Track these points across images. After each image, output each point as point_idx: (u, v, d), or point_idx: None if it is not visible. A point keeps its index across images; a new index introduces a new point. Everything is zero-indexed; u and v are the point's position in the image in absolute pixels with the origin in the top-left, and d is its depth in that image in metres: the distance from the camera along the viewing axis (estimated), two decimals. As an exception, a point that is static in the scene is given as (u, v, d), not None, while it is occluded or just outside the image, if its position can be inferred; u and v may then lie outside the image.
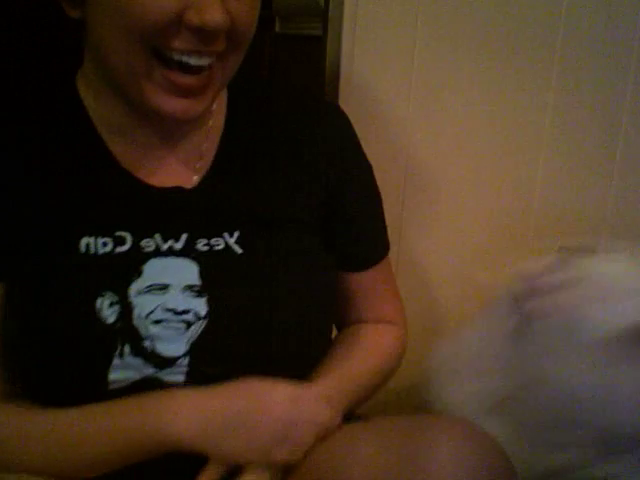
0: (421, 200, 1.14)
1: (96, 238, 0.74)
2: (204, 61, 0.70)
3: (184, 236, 0.76)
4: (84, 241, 0.74)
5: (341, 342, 0.90)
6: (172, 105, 0.71)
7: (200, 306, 0.74)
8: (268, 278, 0.77)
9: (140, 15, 0.66)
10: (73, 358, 0.73)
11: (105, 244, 0.74)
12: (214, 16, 0.67)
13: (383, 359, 0.89)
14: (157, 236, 0.76)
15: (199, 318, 0.74)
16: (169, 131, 0.80)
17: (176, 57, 0.69)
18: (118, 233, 0.75)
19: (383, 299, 0.94)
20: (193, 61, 0.70)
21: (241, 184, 0.80)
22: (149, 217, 0.77)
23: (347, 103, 1.07)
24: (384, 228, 0.94)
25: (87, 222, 0.75)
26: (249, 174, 0.81)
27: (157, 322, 0.73)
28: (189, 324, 0.73)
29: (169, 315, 0.73)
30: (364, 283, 0.91)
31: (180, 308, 0.73)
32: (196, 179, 0.80)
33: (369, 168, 0.92)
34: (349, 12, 1.02)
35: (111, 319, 0.72)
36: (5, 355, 0.76)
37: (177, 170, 0.80)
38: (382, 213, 0.94)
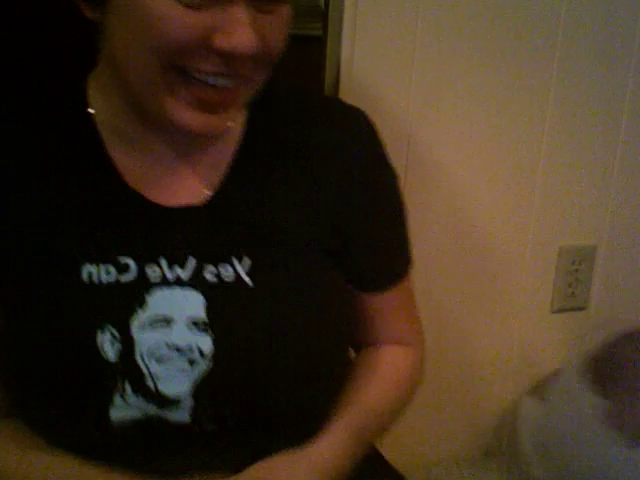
0: (420, 200, 1.14)
1: (98, 265, 0.70)
2: (229, 82, 0.66)
3: (191, 261, 0.71)
4: (86, 269, 0.70)
5: (356, 374, 0.85)
6: (195, 121, 0.66)
7: (205, 344, 0.69)
8: (279, 316, 0.72)
9: (164, 35, 0.61)
10: (73, 395, 0.70)
11: (108, 272, 0.70)
12: (243, 40, 0.61)
13: (400, 389, 0.86)
14: (162, 261, 0.71)
15: (204, 357, 0.69)
16: (184, 143, 0.75)
17: (200, 78, 0.65)
18: (121, 259, 0.70)
19: (401, 319, 0.89)
20: (219, 82, 0.65)
21: (254, 202, 0.75)
22: (154, 240, 0.72)
23: (347, 103, 1.07)
24: (406, 245, 0.87)
25: (88, 247, 0.70)
26: (263, 191, 0.76)
27: (160, 360, 0.69)
28: (193, 363, 0.69)
29: (172, 352, 0.69)
30: (382, 304, 0.86)
31: (184, 345, 0.69)
32: (206, 196, 0.74)
33: (394, 180, 0.85)
34: (349, 12, 1.02)
35: (112, 356, 0.68)
36: (3, 382, 0.74)
37: (186, 186, 0.74)
38: (405, 228, 0.86)
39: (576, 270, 1.26)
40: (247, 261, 0.72)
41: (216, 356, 0.69)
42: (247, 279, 0.71)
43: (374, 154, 0.82)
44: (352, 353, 0.91)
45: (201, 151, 0.75)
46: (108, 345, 0.68)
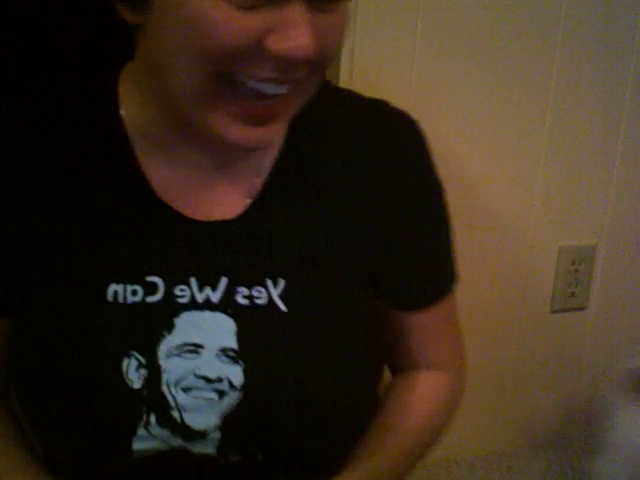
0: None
1: (125, 285, 0.65)
2: (281, 90, 0.60)
3: (223, 282, 0.66)
4: (112, 289, 0.65)
5: (389, 402, 0.80)
6: (242, 135, 0.60)
7: (235, 375, 0.65)
8: (312, 345, 0.68)
9: (215, 39, 0.55)
10: (94, 424, 0.65)
11: (135, 292, 0.65)
12: (301, 43, 0.55)
13: (434, 423, 0.80)
14: (193, 281, 0.66)
15: (234, 388, 0.65)
16: (221, 153, 0.69)
17: (250, 85, 0.59)
18: (149, 279, 0.65)
19: (442, 341, 0.82)
20: (270, 90, 0.59)
21: (292, 218, 0.70)
22: (184, 258, 0.67)
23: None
24: (451, 260, 0.82)
25: (115, 265, 0.65)
26: (302, 206, 0.70)
27: (187, 390, 0.65)
28: (222, 394, 0.65)
29: (201, 383, 0.65)
30: (421, 323, 0.80)
31: (213, 376, 0.65)
32: (241, 210, 0.69)
33: (441, 193, 0.80)
34: (349, 12, 1.02)
35: (137, 384, 0.64)
36: (19, 406, 0.70)
37: (220, 199, 0.69)
38: (451, 243, 0.81)
39: (576, 270, 1.26)
40: (281, 283, 0.67)
41: (246, 387, 0.65)
42: (280, 303, 0.67)
43: (424, 167, 0.78)
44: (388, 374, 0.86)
45: (239, 161, 0.70)
46: (133, 372, 0.64)
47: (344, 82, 1.05)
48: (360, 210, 0.72)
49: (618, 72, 1.17)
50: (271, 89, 0.59)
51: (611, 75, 1.17)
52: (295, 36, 0.55)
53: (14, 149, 0.67)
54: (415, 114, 1.10)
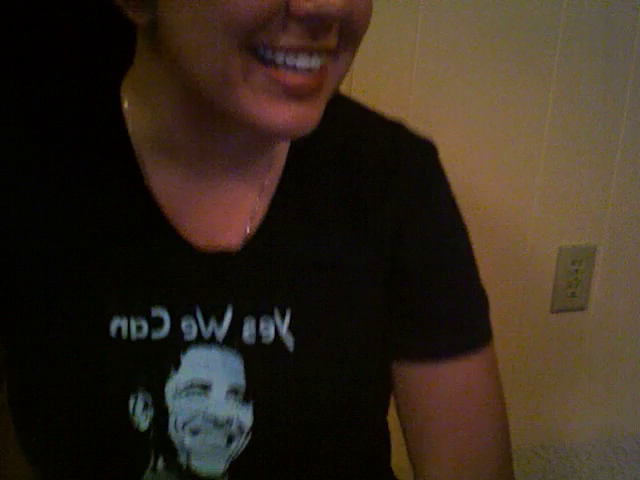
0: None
1: (129, 319, 0.60)
2: (314, 62, 0.54)
3: (229, 313, 0.62)
4: (115, 323, 0.60)
5: None
6: (283, 114, 0.53)
7: (245, 416, 0.61)
8: (320, 384, 0.63)
9: (241, 6, 0.50)
10: (100, 468, 0.62)
11: (140, 328, 0.60)
12: None
13: None
14: (198, 312, 0.62)
15: (242, 431, 0.62)
16: (235, 160, 0.63)
17: (280, 59, 0.53)
18: (154, 311, 0.61)
19: (470, 420, 0.67)
20: (301, 62, 0.53)
21: (295, 243, 0.65)
22: (190, 287, 0.62)
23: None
24: (477, 306, 0.70)
25: (118, 296, 0.61)
26: (306, 231, 0.65)
27: (195, 432, 0.62)
28: (230, 439, 0.62)
29: (209, 425, 0.61)
30: (435, 386, 0.66)
31: (222, 417, 0.61)
32: (246, 233, 0.64)
33: (459, 233, 0.72)
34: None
35: (144, 425, 0.60)
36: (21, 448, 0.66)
37: (226, 221, 0.64)
38: (476, 288, 0.71)
39: (576, 270, 1.26)
40: (289, 314, 0.63)
41: (255, 429, 0.62)
42: (288, 337, 0.62)
43: (433, 200, 0.70)
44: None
45: (247, 172, 0.64)
46: (140, 413, 0.60)
47: (344, 82, 1.05)
48: (371, 236, 0.66)
49: (618, 72, 1.17)
50: (303, 62, 0.53)
51: (611, 75, 1.17)
52: None
53: (16, 172, 0.62)
54: (415, 114, 1.10)
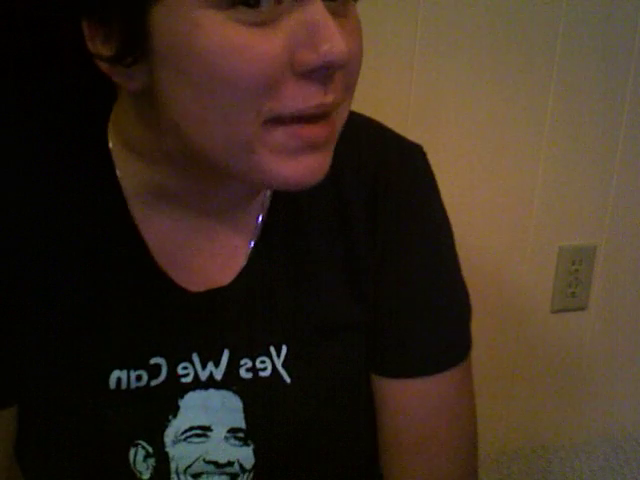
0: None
1: (128, 371, 0.59)
2: (326, 117, 0.52)
3: (225, 355, 0.61)
4: (114, 375, 0.59)
5: None
6: (299, 168, 0.51)
7: (246, 457, 0.61)
8: (318, 417, 0.63)
9: (243, 76, 0.47)
10: None
11: (139, 377, 0.60)
12: (335, 44, 0.47)
13: None
14: (195, 358, 0.61)
15: (245, 471, 0.62)
16: (229, 203, 0.62)
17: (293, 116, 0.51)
18: (152, 360, 0.60)
19: (442, 438, 0.67)
20: (315, 109, 0.51)
21: (284, 278, 0.63)
22: (186, 334, 0.61)
23: (347, 103, 1.07)
24: (457, 320, 0.69)
25: (117, 349, 0.60)
26: (294, 265, 0.64)
27: (197, 476, 0.61)
28: (234, 476, 0.62)
29: (210, 468, 0.61)
30: (410, 402, 0.65)
31: (223, 460, 0.61)
32: (237, 273, 0.63)
33: (439, 238, 0.69)
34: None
35: (146, 475, 0.60)
36: None
37: (217, 261, 0.63)
38: (457, 301, 0.70)
39: (576, 270, 1.26)
40: (284, 350, 0.62)
41: (257, 467, 0.62)
42: (284, 372, 0.62)
43: (417, 209, 0.67)
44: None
45: (237, 214, 0.63)
46: (141, 462, 0.60)
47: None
48: (357, 264, 0.64)
49: (618, 72, 1.17)
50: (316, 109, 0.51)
51: (611, 75, 1.17)
52: (328, 40, 0.47)
53: (10, 223, 0.59)
54: (415, 114, 1.10)
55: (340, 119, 0.55)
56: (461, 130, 1.12)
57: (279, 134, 0.50)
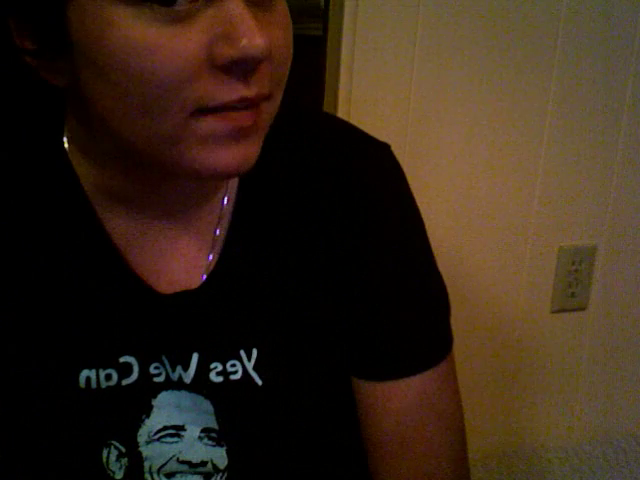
0: (420, 200, 1.13)
1: (97, 370, 0.59)
2: (253, 107, 0.52)
3: (194, 359, 0.61)
4: (84, 375, 0.59)
5: None
6: (225, 157, 0.51)
7: (219, 457, 0.61)
8: (292, 418, 0.63)
9: (158, 74, 0.47)
10: None
11: (109, 377, 0.59)
12: (251, 40, 0.47)
13: None
14: (164, 359, 0.61)
15: (218, 471, 0.62)
16: (178, 201, 0.61)
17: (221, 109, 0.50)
18: (122, 359, 0.60)
19: (427, 438, 0.64)
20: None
21: (256, 281, 0.62)
22: (155, 334, 0.61)
23: (347, 104, 1.07)
24: (431, 321, 0.65)
25: (85, 348, 0.59)
26: (265, 266, 0.62)
27: (170, 476, 0.61)
28: (208, 476, 0.62)
29: (184, 468, 0.61)
30: (393, 403, 0.63)
31: (197, 460, 0.61)
32: (206, 273, 0.62)
33: (419, 234, 0.68)
34: (349, 12, 1.02)
35: (119, 475, 0.61)
36: None
37: (185, 261, 0.62)
38: (433, 297, 0.67)
39: (576, 270, 1.26)
40: (255, 353, 0.61)
41: (231, 468, 0.62)
42: (255, 375, 0.61)
43: (397, 208, 0.67)
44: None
45: (198, 213, 0.62)
46: (114, 462, 0.60)
47: (344, 82, 1.05)
48: (328, 255, 0.63)
49: (618, 72, 1.17)
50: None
51: (611, 75, 1.17)
52: (245, 35, 0.47)
53: None
54: (415, 115, 1.10)
55: (270, 111, 0.54)
56: (461, 130, 1.12)
57: (207, 123, 0.50)
